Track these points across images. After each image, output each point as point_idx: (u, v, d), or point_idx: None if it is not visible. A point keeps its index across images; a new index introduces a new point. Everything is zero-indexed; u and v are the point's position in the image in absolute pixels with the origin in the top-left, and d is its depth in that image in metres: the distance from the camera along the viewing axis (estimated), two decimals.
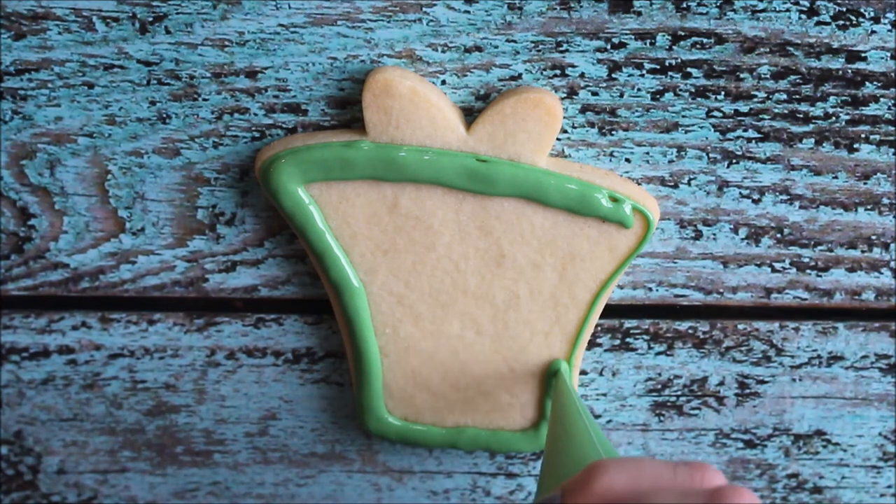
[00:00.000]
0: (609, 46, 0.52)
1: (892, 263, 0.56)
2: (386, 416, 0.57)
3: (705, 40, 0.52)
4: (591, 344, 0.58)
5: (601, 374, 0.58)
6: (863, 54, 0.52)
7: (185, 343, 0.58)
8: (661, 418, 0.59)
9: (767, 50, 0.52)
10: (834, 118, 0.54)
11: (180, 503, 0.61)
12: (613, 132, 0.54)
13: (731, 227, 0.56)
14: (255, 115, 0.54)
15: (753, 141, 0.54)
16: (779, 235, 0.56)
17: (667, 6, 0.52)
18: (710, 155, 0.54)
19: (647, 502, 0.41)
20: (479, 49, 0.52)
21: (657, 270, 0.56)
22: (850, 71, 0.53)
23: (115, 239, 0.56)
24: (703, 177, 0.55)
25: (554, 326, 0.55)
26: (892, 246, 0.56)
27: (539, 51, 0.52)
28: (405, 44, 0.52)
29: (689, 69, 0.53)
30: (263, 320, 0.58)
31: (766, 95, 0.53)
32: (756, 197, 0.55)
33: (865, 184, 0.55)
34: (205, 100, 0.53)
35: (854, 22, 0.52)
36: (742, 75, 0.53)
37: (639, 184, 0.55)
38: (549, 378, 0.55)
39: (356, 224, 0.54)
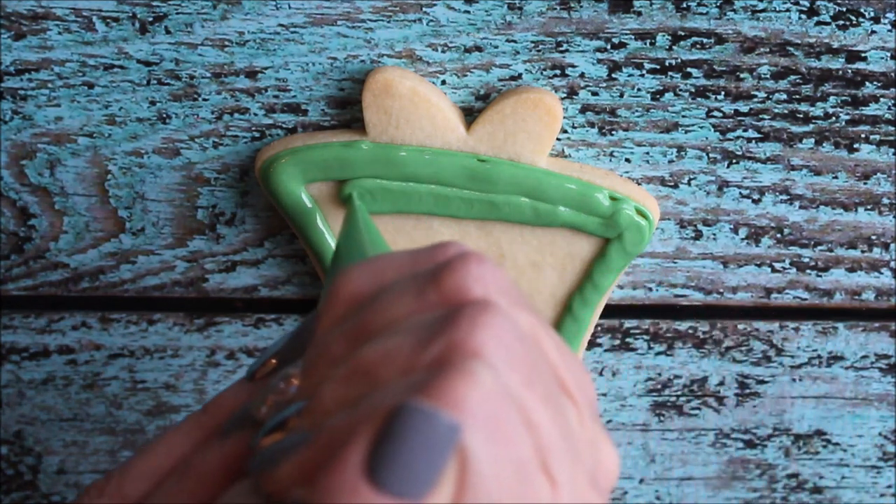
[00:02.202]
0: (609, 46, 0.52)
1: (892, 263, 0.56)
2: None
3: (705, 40, 0.52)
4: (591, 344, 0.58)
5: (601, 374, 0.58)
6: (863, 54, 0.52)
7: (185, 343, 0.58)
8: (661, 418, 0.59)
9: (767, 50, 0.52)
10: (834, 118, 0.54)
11: None
12: (613, 132, 0.54)
13: (731, 227, 0.56)
14: (255, 115, 0.54)
15: (753, 141, 0.54)
16: (779, 235, 0.56)
17: (667, 6, 0.52)
18: (710, 155, 0.54)
19: (386, 295, 0.38)
20: (479, 49, 0.52)
21: (657, 270, 0.56)
22: (850, 71, 0.53)
23: (115, 239, 0.56)
24: (703, 177, 0.55)
25: (554, 326, 0.55)
26: (892, 246, 0.56)
27: (539, 51, 0.52)
28: (405, 44, 0.52)
29: (689, 69, 0.53)
30: (263, 320, 0.58)
31: (766, 95, 0.53)
32: (756, 197, 0.55)
33: (865, 184, 0.55)
34: (205, 100, 0.54)
35: (854, 22, 0.52)
36: (742, 75, 0.53)
37: (639, 184, 0.55)
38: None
39: None
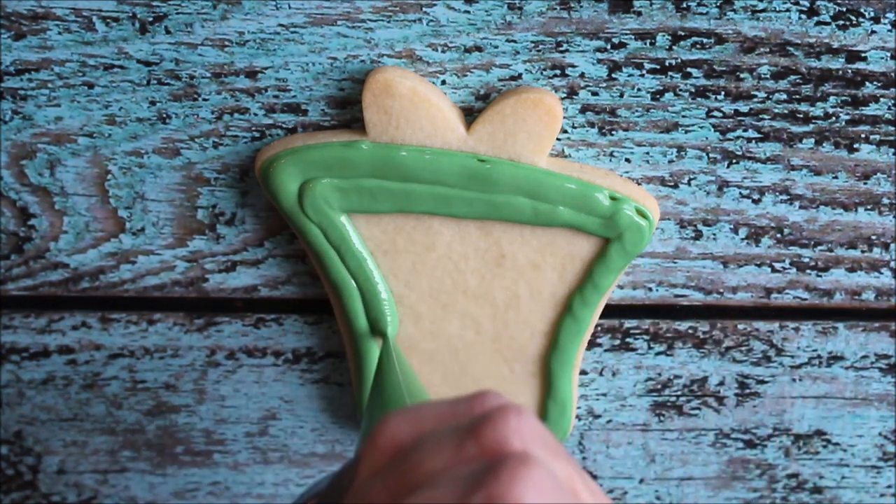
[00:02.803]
0: (609, 46, 0.52)
1: (892, 263, 0.56)
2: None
3: (705, 40, 0.52)
4: (591, 344, 0.58)
5: (601, 374, 0.58)
6: (863, 54, 0.52)
7: (185, 343, 0.58)
8: (661, 418, 0.59)
9: (767, 50, 0.52)
10: (834, 118, 0.54)
11: (180, 503, 0.61)
12: (613, 132, 0.54)
13: (731, 227, 0.56)
14: (255, 115, 0.54)
15: (753, 141, 0.54)
16: (779, 235, 0.56)
17: (667, 6, 0.52)
18: (710, 155, 0.54)
19: (426, 446, 0.40)
20: (479, 49, 0.52)
21: (657, 270, 0.56)
22: (850, 71, 0.53)
23: (115, 239, 0.56)
24: (703, 177, 0.55)
25: (554, 326, 0.55)
26: (892, 246, 0.56)
27: (539, 51, 0.52)
28: (405, 44, 0.52)
29: (689, 69, 0.53)
30: (263, 320, 0.58)
31: (766, 95, 0.53)
32: (756, 197, 0.55)
33: (865, 184, 0.55)
34: (205, 100, 0.54)
35: (854, 22, 0.52)
36: (742, 75, 0.53)
37: (639, 184, 0.55)
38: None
39: (356, 224, 0.54)
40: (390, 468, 0.40)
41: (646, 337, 0.58)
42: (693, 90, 0.53)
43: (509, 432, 0.39)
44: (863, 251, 0.56)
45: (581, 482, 0.39)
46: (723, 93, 0.53)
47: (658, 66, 0.53)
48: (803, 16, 0.52)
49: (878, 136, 0.54)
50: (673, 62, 0.53)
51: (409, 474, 0.39)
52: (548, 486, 0.37)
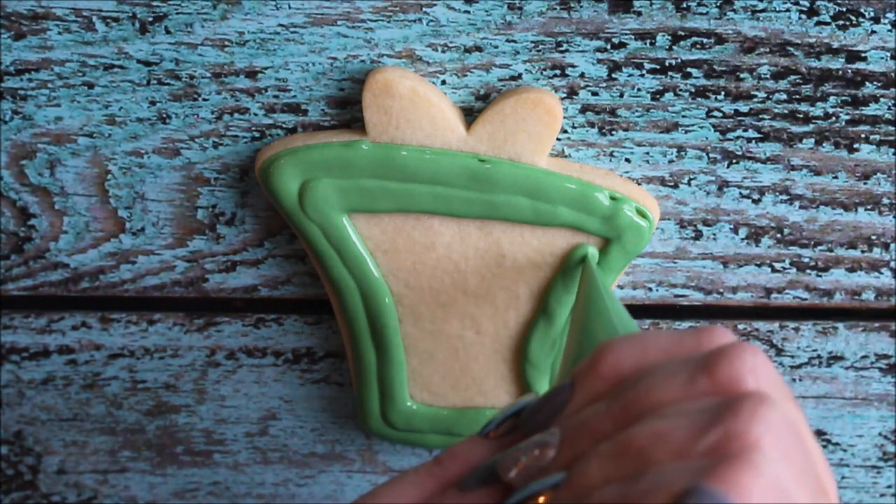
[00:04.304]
0: (609, 46, 0.52)
1: (892, 263, 0.56)
2: (387, 415, 0.57)
3: (705, 40, 0.52)
4: None
5: None
6: (863, 54, 0.52)
7: (185, 343, 0.58)
8: None
9: (767, 50, 0.52)
10: (834, 118, 0.54)
11: (180, 503, 0.61)
12: (613, 132, 0.54)
13: (731, 227, 0.56)
14: (255, 115, 0.54)
15: (753, 141, 0.54)
16: (779, 235, 0.56)
17: (667, 6, 0.52)
18: (710, 155, 0.54)
19: (654, 377, 0.39)
20: (479, 49, 0.52)
21: (657, 270, 0.56)
22: (850, 71, 0.53)
23: (115, 239, 0.56)
24: (703, 177, 0.55)
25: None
26: (892, 246, 0.56)
27: (539, 51, 0.52)
28: (405, 44, 0.52)
29: (689, 69, 0.53)
30: (263, 320, 0.58)
31: (766, 95, 0.53)
32: (756, 197, 0.55)
33: (865, 184, 0.55)
34: (205, 100, 0.54)
35: (854, 22, 0.52)
36: (742, 75, 0.53)
37: (639, 184, 0.55)
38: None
39: (356, 224, 0.54)
40: (613, 395, 0.39)
41: None
42: (693, 90, 0.53)
43: (745, 371, 0.38)
44: (863, 251, 0.56)
45: (805, 428, 0.39)
46: (723, 93, 0.53)
47: (658, 66, 0.53)
48: (803, 16, 0.52)
49: (878, 136, 0.54)
50: (673, 62, 0.53)
51: (636, 403, 0.39)
52: (784, 428, 0.37)
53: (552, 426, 0.40)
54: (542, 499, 0.38)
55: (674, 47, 0.52)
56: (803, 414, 0.40)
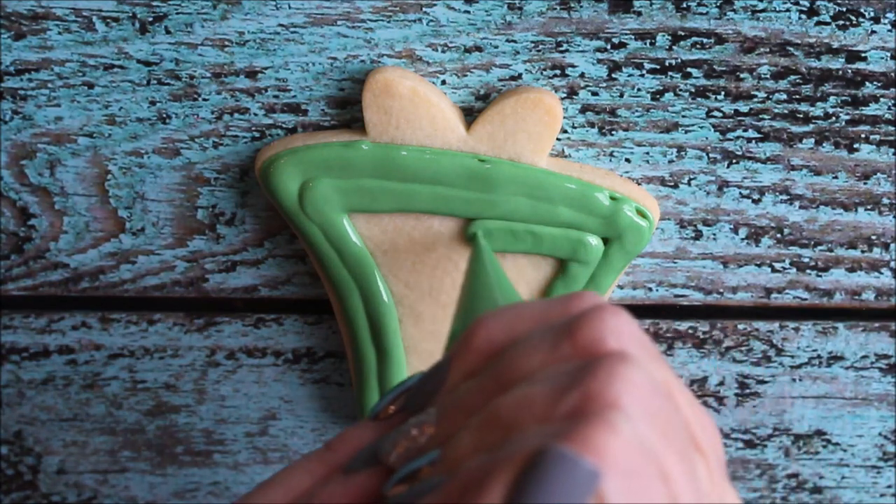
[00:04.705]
0: (609, 46, 0.52)
1: (892, 263, 0.56)
2: None
3: (705, 40, 0.52)
4: None
5: None
6: (863, 54, 0.52)
7: (185, 343, 0.58)
8: None
9: (767, 50, 0.52)
10: (834, 118, 0.54)
11: (180, 503, 0.61)
12: (613, 132, 0.54)
13: (731, 227, 0.56)
14: (255, 115, 0.54)
15: (753, 141, 0.54)
16: (779, 235, 0.56)
17: (667, 6, 0.52)
18: (710, 155, 0.54)
19: (522, 346, 0.39)
20: (479, 49, 0.52)
21: (657, 270, 0.56)
22: (850, 71, 0.53)
23: (115, 239, 0.56)
24: (703, 177, 0.55)
25: None
26: (892, 246, 0.56)
27: (539, 51, 0.52)
28: (405, 44, 0.52)
29: (689, 69, 0.53)
30: (263, 320, 0.58)
31: (766, 95, 0.53)
32: (756, 197, 0.55)
33: (865, 184, 0.55)
34: (205, 100, 0.54)
35: (854, 22, 0.52)
36: (742, 75, 0.53)
37: (639, 184, 0.55)
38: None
39: (356, 224, 0.54)
40: (485, 370, 0.39)
41: None
42: (693, 90, 0.53)
43: (606, 331, 0.38)
44: (863, 251, 0.56)
45: (678, 386, 0.38)
46: (723, 93, 0.53)
47: (658, 66, 0.53)
48: (803, 16, 0.52)
49: (878, 136, 0.54)
50: (673, 62, 0.53)
51: (504, 374, 0.38)
52: (645, 386, 0.37)
53: (432, 405, 0.40)
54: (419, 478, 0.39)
55: (674, 47, 0.52)
56: (674, 373, 0.39)
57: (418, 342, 0.56)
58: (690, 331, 0.58)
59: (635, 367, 0.37)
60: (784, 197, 0.55)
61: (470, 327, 0.40)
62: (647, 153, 0.54)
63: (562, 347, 0.38)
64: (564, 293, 0.40)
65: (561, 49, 0.52)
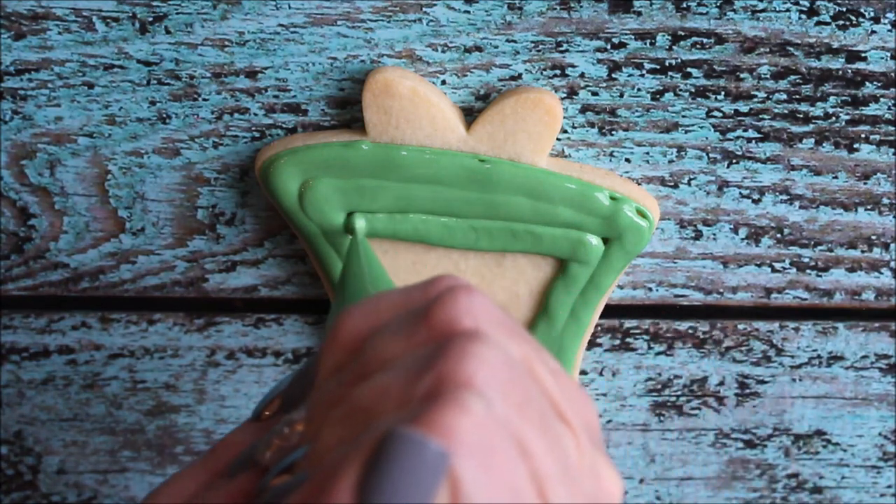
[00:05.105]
0: (609, 46, 0.52)
1: (892, 263, 0.56)
2: None
3: (705, 40, 0.52)
4: (591, 344, 0.58)
5: (601, 374, 0.58)
6: (863, 54, 0.52)
7: (185, 343, 0.58)
8: (661, 418, 0.59)
9: (767, 50, 0.52)
10: (834, 118, 0.54)
11: None
12: (613, 132, 0.54)
13: (731, 227, 0.56)
14: (255, 115, 0.54)
15: (753, 141, 0.54)
16: (779, 235, 0.56)
17: (667, 6, 0.52)
18: (710, 155, 0.54)
19: (381, 335, 0.39)
20: (479, 49, 0.52)
21: (657, 270, 0.56)
22: (850, 71, 0.53)
23: (115, 239, 0.56)
24: (703, 177, 0.55)
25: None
26: (892, 246, 0.56)
27: (539, 51, 0.52)
28: (405, 44, 0.52)
29: (689, 69, 0.53)
30: (263, 320, 0.58)
31: (766, 95, 0.53)
32: (756, 197, 0.55)
33: (865, 184, 0.55)
34: (205, 100, 0.54)
35: (854, 22, 0.52)
36: (742, 75, 0.53)
37: (639, 184, 0.55)
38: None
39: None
40: (348, 362, 0.39)
41: (646, 337, 0.58)
42: (693, 90, 0.53)
43: (459, 312, 0.38)
44: (863, 251, 0.56)
45: (539, 360, 0.38)
46: (723, 93, 0.53)
47: (658, 66, 0.53)
48: (803, 16, 0.52)
49: (878, 136, 0.54)
50: (673, 62, 0.53)
51: (366, 365, 0.38)
52: (499, 362, 0.36)
53: (304, 403, 0.40)
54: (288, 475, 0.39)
55: (674, 47, 0.52)
56: (535, 346, 0.38)
57: None
58: (690, 331, 0.58)
59: (489, 345, 0.36)
60: (784, 197, 0.55)
61: (335, 321, 0.40)
62: (647, 153, 0.54)
63: (418, 332, 0.38)
64: (421, 282, 0.40)
65: (561, 49, 0.52)
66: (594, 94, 0.53)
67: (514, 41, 0.52)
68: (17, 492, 0.61)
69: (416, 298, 0.39)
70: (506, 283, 0.55)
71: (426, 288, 0.39)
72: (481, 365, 0.36)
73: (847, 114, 0.53)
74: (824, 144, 0.54)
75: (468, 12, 0.52)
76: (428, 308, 0.38)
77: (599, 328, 0.58)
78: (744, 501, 0.61)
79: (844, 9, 0.52)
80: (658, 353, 0.58)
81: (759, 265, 0.56)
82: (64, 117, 0.54)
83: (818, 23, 0.52)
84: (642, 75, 0.53)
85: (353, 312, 0.40)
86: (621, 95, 0.53)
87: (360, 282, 0.47)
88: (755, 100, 0.53)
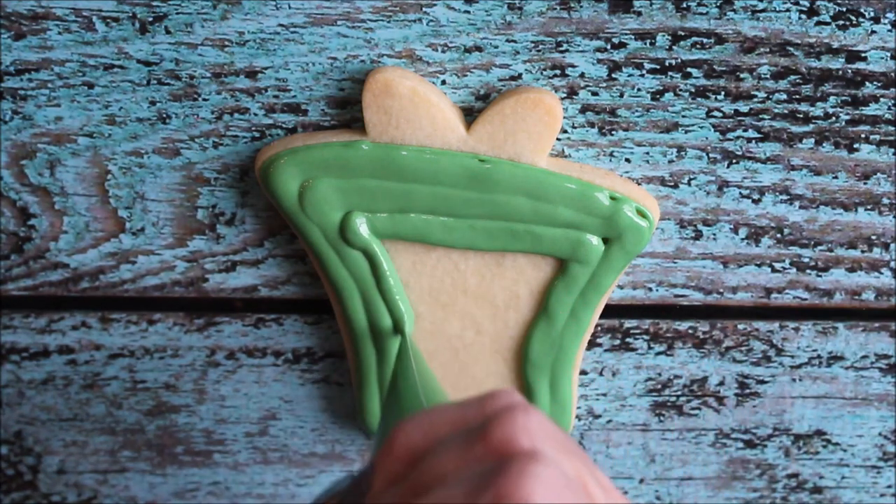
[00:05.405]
0: (609, 46, 0.52)
1: (892, 263, 0.56)
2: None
3: (705, 40, 0.52)
4: (591, 344, 0.58)
5: (601, 374, 0.58)
6: (863, 54, 0.52)
7: (185, 343, 0.58)
8: (661, 418, 0.59)
9: (767, 50, 0.52)
10: (834, 118, 0.54)
11: (180, 503, 0.61)
12: (613, 132, 0.54)
13: (731, 227, 0.56)
14: (255, 115, 0.54)
15: (753, 141, 0.54)
16: (779, 235, 0.56)
17: (667, 6, 0.52)
18: (710, 155, 0.54)
19: (438, 450, 0.40)
20: (479, 49, 0.52)
21: (657, 270, 0.56)
22: (850, 71, 0.53)
23: (115, 239, 0.56)
24: (703, 177, 0.55)
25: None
26: (892, 246, 0.56)
27: (539, 51, 0.52)
28: (405, 44, 0.52)
29: (689, 69, 0.53)
30: (263, 320, 0.58)
31: (766, 95, 0.53)
32: (756, 197, 0.55)
33: (865, 184, 0.55)
34: (205, 100, 0.54)
35: (854, 22, 0.52)
36: (742, 75, 0.53)
37: (639, 184, 0.55)
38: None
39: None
40: (405, 475, 0.40)
41: (646, 337, 0.58)
42: (693, 90, 0.53)
43: (517, 430, 0.39)
44: (863, 251, 0.56)
45: (592, 478, 0.39)
46: (723, 93, 0.53)
47: (658, 66, 0.53)
48: (803, 16, 0.52)
49: (878, 136, 0.54)
50: (673, 62, 0.53)
51: (423, 479, 0.40)
52: (557, 482, 0.38)
53: None
54: None
55: (674, 47, 0.52)
56: (589, 464, 0.40)
57: (418, 342, 0.56)
58: (690, 331, 0.58)
59: (546, 465, 0.38)
60: (784, 197, 0.55)
61: (390, 434, 0.42)
62: (647, 153, 0.54)
63: (475, 449, 0.39)
64: (484, 392, 0.42)
65: (561, 49, 0.52)
66: (594, 94, 0.53)
67: (514, 41, 0.52)
68: (17, 492, 0.61)
69: (473, 415, 0.41)
70: (506, 283, 0.55)
71: (482, 404, 0.41)
72: (539, 484, 0.37)
73: (847, 114, 0.53)
74: (824, 144, 0.54)
75: (468, 12, 0.52)
76: (486, 425, 0.40)
77: (599, 328, 0.58)
78: (744, 501, 0.61)
79: (844, 9, 0.52)
80: (658, 353, 0.58)
81: (759, 265, 0.56)
82: (64, 117, 0.54)
83: (818, 23, 0.52)
84: (642, 75, 0.53)
85: (410, 426, 0.41)
86: (621, 95, 0.53)
87: (413, 391, 0.49)
88: (755, 100, 0.53)
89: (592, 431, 0.60)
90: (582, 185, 0.53)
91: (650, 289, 0.57)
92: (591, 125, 0.54)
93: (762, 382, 0.59)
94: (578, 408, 0.59)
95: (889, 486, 0.61)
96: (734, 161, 0.54)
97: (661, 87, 0.53)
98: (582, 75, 0.53)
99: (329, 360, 0.59)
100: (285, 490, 0.61)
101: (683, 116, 0.53)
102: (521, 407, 0.40)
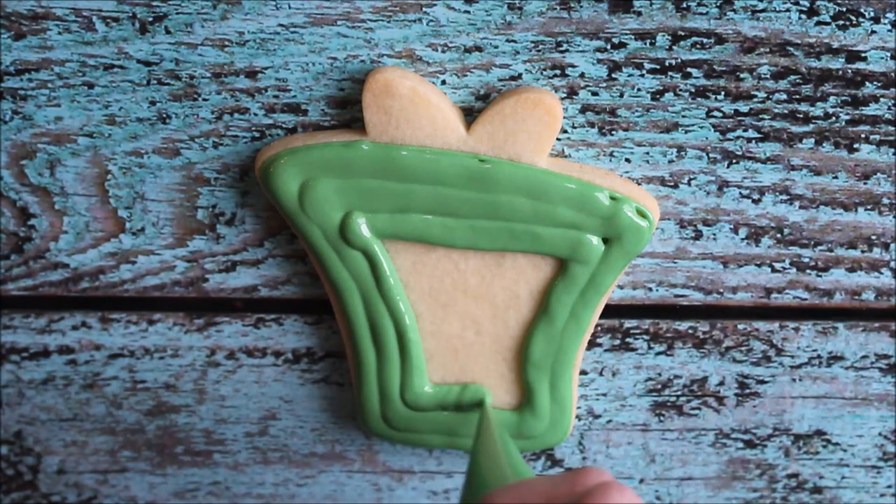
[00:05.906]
0: (609, 46, 0.52)
1: (892, 263, 0.56)
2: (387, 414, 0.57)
3: (705, 40, 0.52)
4: (591, 344, 0.58)
5: (601, 374, 0.58)
6: (863, 54, 0.52)
7: (185, 343, 0.58)
8: (661, 418, 0.59)
9: (767, 50, 0.52)
10: (834, 118, 0.54)
11: (180, 503, 0.61)
12: (613, 132, 0.54)
13: (731, 227, 0.56)
14: (255, 115, 0.54)
15: (753, 141, 0.54)
16: (779, 235, 0.56)
17: (667, 6, 0.52)
18: (710, 155, 0.54)
19: None
20: (479, 49, 0.52)
21: (657, 270, 0.56)
22: (850, 71, 0.53)
23: (115, 239, 0.56)
24: (703, 177, 0.55)
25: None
26: (892, 246, 0.56)
27: (539, 51, 0.52)
28: (405, 44, 0.52)
29: (689, 69, 0.53)
30: (263, 320, 0.58)
31: (766, 95, 0.53)
32: (756, 197, 0.55)
33: (865, 184, 0.55)
34: (205, 100, 0.54)
35: (854, 22, 0.52)
36: (742, 75, 0.53)
37: (639, 184, 0.55)
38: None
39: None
40: None
41: (646, 337, 0.58)
42: (693, 90, 0.53)
43: None
44: (863, 251, 0.56)
45: None
46: (723, 93, 0.53)
47: (658, 66, 0.53)
48: (803, 16, 0.52)
49: (878, 136, 0.54)
50: (673, 62, 0.53)
51: None
52: None
53: None
54: None
55: (674, 47, 0.52)
56: None
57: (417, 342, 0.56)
58: (690, 331, 0.58)
59: None
60: (784, 197, 0.55)
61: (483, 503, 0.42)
62: (647, 153, 0.54)
63: None
64: (575, 469, 0.43)
65: (561, 49, 0.52)
66: (594, 94, 0.53)
67: (514, 41, 0.52)
68: (17, 492, 0.61)
69: (565, 490, 0.42)
70: (506, 283, 0.55)
71: (574, 480, 0.42)
72: None
73: (847, 114, 0.53)
74: (824, 144, 0.54)
75: (468, 12, 0.52)
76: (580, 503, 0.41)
77: (599, 328, 0.58)
78: (744, 501, 0.61)
79: (844, 9, 0.52)
80: (658, 353, 0.58)
81: (759, 265, 0.56)
82: (64, 117, 0.54)
83: (818, 23, 0.52)
84: (642, 75, 0.53)
85: (499, 497, 0.42)
86: (621, 95, 0.53)
87: (497, 463, 0.49)
88: (755, 100, 0.53)
89: (592, 431, 0.60)
90: (582, 185, 0.53)
91: (650, 289, 0.57)
92: (591, 125, 0.54)
93: (762, 382, 0.59)
94: (578, 408, 0.59)
95: (889, 486, 0.61)
96: (734, 161, 0.54)
97: (661, 87, 0.53)
98: (582, 75, 0.53)
99: (329, 360, 0.59)
100: (285, 490, 0.61)
101: (683, 116, 0.53)
102: (615, 486, 0.41)
